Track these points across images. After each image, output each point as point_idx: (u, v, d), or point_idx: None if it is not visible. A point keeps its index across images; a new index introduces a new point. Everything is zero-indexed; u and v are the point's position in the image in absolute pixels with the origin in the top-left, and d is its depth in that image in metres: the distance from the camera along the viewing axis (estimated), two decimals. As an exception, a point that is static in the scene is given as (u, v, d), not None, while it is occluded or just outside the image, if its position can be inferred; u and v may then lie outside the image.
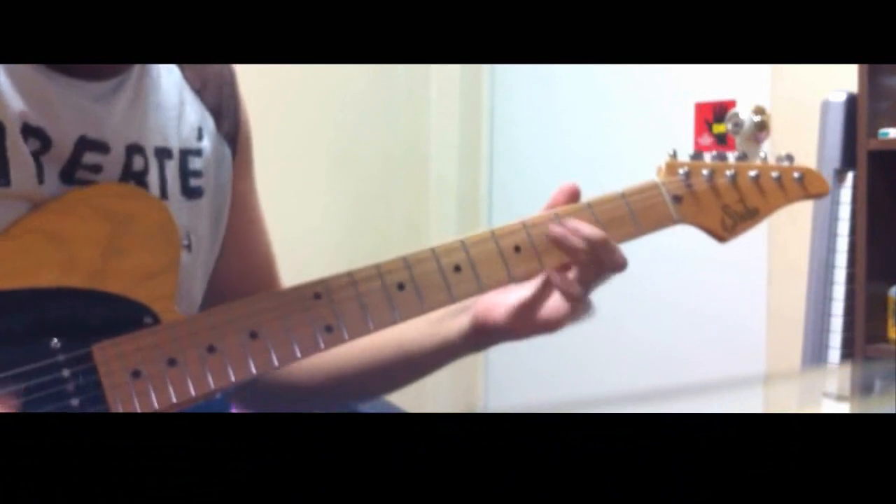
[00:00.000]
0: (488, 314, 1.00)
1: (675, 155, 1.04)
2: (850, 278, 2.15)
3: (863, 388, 1.06)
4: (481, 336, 1.01)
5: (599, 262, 0.96)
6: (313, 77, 2.84)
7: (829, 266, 2.18)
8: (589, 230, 0.96)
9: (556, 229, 0.97)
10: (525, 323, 0.98)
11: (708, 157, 1.05)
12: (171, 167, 0.95)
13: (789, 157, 1.08)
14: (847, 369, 1.87)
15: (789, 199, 1.08)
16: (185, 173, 0.96)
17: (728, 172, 1.05)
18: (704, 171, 1.04)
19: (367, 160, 3.06)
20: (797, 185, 1.08)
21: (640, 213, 1.00)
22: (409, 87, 3.14)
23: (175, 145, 0.96)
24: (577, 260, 0.96)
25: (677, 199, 1.02)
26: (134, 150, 0.91)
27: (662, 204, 1.02)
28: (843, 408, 0.90)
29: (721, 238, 1.05)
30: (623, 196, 1.00)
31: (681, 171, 1.03)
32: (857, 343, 2.14)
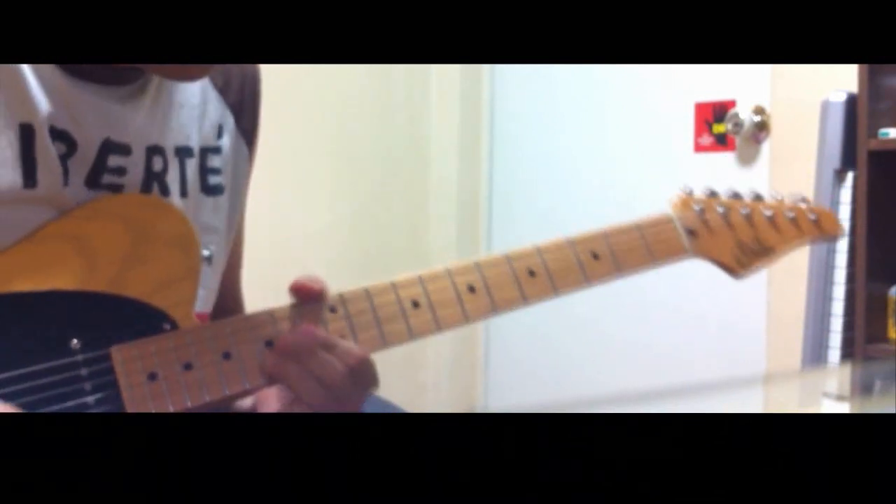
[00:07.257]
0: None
1: (690, 192, 1.05)
2: (850, 278, 2.15)
3: (863, 388, 1.06)
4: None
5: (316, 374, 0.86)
6: (313, 77, 2.84)
7: (829, 266, 2.18)
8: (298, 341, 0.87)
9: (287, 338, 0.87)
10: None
11: (723, 194, 1.06)
12: (192, 165, 0.97)
13: (805, 200, 1.10)
14: (847, 369, 1.87)
15: (804, 239, 1.09)
16: (205, 171, 0.98)
17: (743, 210, 1.06)
18: (720, 208, 1.05)
19: (367, 160, 3.06)
20: (812, 225, 1.09)
21: (654, 244, 1.01)
22: (409, 87, 3.14)
23: (196, 143, 0.97)
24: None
25: (692, 232, 1.04)
26: (154, 150, 0.93)
27: (676, 238, 1.03)
28: (843, 408, 0.90)
29: (735, 273, 1.05)
30: (638, 228, 1.01)
31: (696, 206, 1.04)
32: (857, 343, 2.14)
